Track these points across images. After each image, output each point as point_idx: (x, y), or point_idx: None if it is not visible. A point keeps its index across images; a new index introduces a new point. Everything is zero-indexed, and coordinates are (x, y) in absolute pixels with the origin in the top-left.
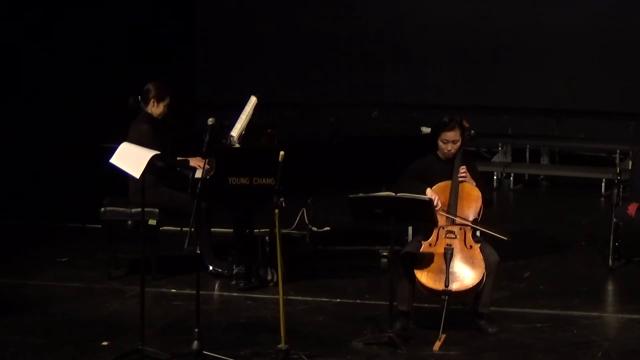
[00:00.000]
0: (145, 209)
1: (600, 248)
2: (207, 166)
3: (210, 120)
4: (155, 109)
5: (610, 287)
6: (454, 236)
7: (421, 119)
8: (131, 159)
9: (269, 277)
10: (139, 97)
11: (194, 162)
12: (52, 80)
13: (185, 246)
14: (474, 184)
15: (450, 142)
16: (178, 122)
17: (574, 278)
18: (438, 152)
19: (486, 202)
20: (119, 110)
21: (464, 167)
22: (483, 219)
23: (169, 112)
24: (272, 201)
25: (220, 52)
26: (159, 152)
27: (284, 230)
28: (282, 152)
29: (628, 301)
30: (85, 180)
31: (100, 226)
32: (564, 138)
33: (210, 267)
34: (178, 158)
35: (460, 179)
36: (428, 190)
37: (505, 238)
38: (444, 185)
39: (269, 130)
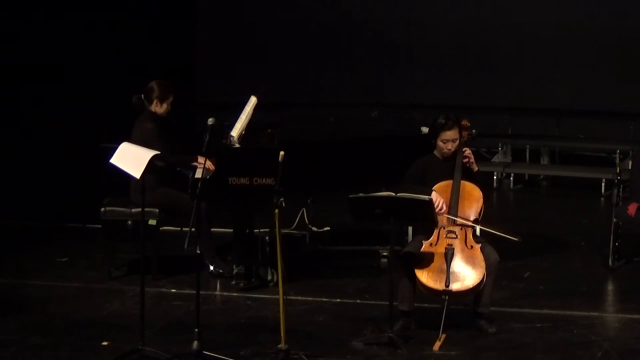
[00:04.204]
0: (145, 209)
1: (600, 248)
2: (208, 165)
3: (210, 120)
4: (158, 108)
5: (610, 287)
6: (455, 236)
7: (421, 119)
8: (131, 159)
9: (269, 277)
10: (142, 95)
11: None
12: (52, 80)
13: (185, 246)
14: (476, 168)
15: (450, 141)
16: (179, 122)
17: (574, 278)
18: (436, 152)
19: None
20: (119, 110)
21: (467, 149)
22: (484, 219)
23: (172, 110)
24: (272, 201)
25: (220, 52)
26: (159, 152)
27: (284, 230)
28: (282, 152)
29: (628, 301)
30: (85, 180)
31: (100, 226)
32: (564, 138)
33: (211, 267)
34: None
35: (465, 159)
36: (433, 194)
37: (515, 239)
38: (445, 185)
39: (269, 130)
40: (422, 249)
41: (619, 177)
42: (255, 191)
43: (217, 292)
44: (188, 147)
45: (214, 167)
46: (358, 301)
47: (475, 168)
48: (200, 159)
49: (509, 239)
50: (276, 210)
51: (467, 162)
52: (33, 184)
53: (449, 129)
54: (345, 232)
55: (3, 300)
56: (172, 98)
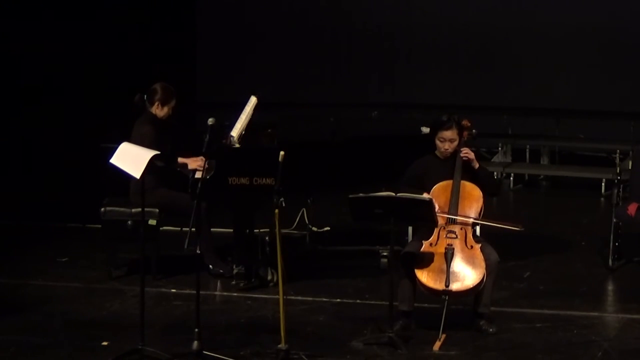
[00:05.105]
0: (145, 209)
1: (600, 248)
2: (206, 166)
3: (210, 120)
4: (159, 111)
5: (610, 287)
6: (455, 236)
7: (421, 119)
8: (131, 159)
9: (269, 277)
10: (145, 96)
11: (192, 163)
12: (52, 80)
13: (185, 246)
14: (476, 165)
15: (447, 140)
16: (178, 122)
17: (574, 278)
18: (437, 152)
19: (491, 191)
20: (119, 110)
21: (466, 147)
22: (484, 216)
23: (173, 113)
24: (272, 201)
25: (220, 52)
26: (159, 152)
27: (284, 230)
28: (282, 152)
29: (628, 301)
30: (85, 180)
31: (100, 226)
32: (564, 138)
33: (211, 267)
34: (179, 160)
35: (463, 157)
36: (425, 195)
37: (517, 228)
38: (445, 184)
39: (269, 130)
40: (422, 249)
41: (619, 177)
42: (255, 191)
43: (217, 292)
44: (188, 147)
45: (212, 166)
46: (358, 301)
47: (476, 165)
48: (192, 163)
49: (510, 229)
50: (276, 210)
51: (465, 160)
52: (33, 184)
53: (447, 128)
54: (345, 232)
55: (3, 300)
56: (174, 102)
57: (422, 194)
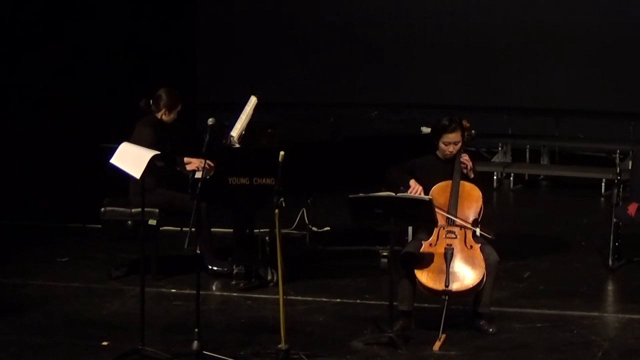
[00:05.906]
0: (145, 209)
1: (600, 248)
2: (207, 166)
3: (210, 120)
4: (165, 117)
5: (610, 287)
6: (455, 236)
7: (421, 119)
8: (131, 159)
9: (269, 277)
10: (151, 100)
11: (191, 165)
12: (52, 79)
13: (185, 246)
14: (472, 175)
15: (451, 143)
16: (179, 122)
17: (574, 278)
18: (438, 153)
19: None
20: (119, 110)
21: (466, 154)
22: (482, 219)
23: (178, 117)
24: (272, 201)
25: (220, 52)
26: (159, 152)
27: (284, 230)
28: (282, 152)
29: (628, 301)
30: (85, 180)
31: (100, 226)
32: (564, 138)
33: (210, 267)
34: (186, 159)
35: (462, 165)
36: (412, 181)
37: (489, 236)
38: (445, 185)
39: (269, 130)
40: (421, 249)
41: (619, 177)
42: (255, 191)
43: (217, 292)
44: (189, 148)
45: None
46: (358, 301)
47: (472, 175)
48: (191, 164)
49: (484, 235)
50: (276, 210)
51: (464, 168)
52: (33, 184)
53: (452, 131)
54: (345, 232)
55: (3, 300)
56: (181, 107)
57: (409, 179)
